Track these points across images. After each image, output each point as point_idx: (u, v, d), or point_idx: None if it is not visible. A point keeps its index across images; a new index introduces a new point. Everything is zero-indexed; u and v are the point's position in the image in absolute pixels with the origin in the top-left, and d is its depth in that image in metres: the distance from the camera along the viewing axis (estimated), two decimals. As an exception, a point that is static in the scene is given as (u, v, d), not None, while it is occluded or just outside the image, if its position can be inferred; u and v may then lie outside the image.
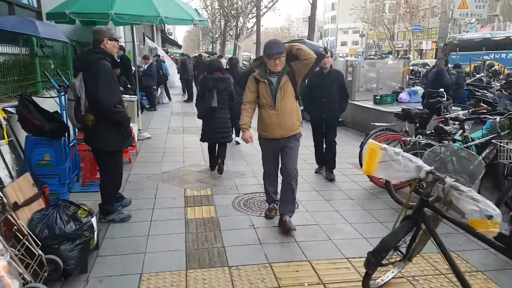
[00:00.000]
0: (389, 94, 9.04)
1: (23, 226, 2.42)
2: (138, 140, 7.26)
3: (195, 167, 5.81)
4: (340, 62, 10.66)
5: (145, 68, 11.34)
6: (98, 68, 3.30)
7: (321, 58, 3.61)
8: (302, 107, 4.12)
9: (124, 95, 7.39)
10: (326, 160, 5.50)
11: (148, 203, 4.31)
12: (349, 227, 3.82)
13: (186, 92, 14.72)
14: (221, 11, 35.80)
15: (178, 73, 17.12)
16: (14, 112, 3.59)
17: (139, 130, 7.42)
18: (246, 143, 3.70)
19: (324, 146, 5.55)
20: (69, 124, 3.72)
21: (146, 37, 20.37)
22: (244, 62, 31.96)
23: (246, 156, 6.49)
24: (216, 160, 5.33)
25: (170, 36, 47.14)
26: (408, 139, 4.70)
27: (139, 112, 7.63)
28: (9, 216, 2.33)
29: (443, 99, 6.18)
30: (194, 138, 7.82)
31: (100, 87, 3.27)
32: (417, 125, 5.00)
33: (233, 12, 31.32)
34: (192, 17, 6.50)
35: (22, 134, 3.69)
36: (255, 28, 28.74)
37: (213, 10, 39.49)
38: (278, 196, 3.97)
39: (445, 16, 39.26)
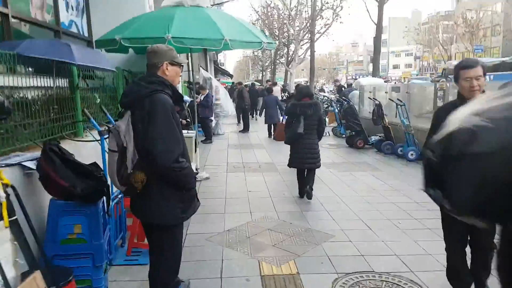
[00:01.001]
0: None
1: None
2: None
3: (267, 221, 4.53)
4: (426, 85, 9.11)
5: (201, 99, 10.50)
6: (153, 104, 2.18)
7: None
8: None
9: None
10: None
11: (212, 286, 3.07)
12: None
13: (241, 122, 13.74)
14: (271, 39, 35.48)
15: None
16: (34, 168, 2.54)
17: (196, 169, 6.33)
18: None
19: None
20: (109, 180, 2.58)
21: (200, 67, 20.06)
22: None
23: (326, 201, 5.14)
24: (305, 187, 5.27)
25: (222, 66, 47.71)
26: None
27: (197, 148, 6.58)
28: None
29: None
30: (257, 177, 6.60)
31: (155, 132, 2.14)
32: None
33: (283, 40, 30.65)
34: (261, 39, 5.42)
35: (47, 197, 2.65)
36: (306, 54, 27.80)
37: (263, 39, 39.34)
38: None
39: (510, 34, 36.12)
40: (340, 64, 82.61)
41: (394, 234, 4.21)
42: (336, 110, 11.37)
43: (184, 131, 6.32)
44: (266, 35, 5.82)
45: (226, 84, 31.44)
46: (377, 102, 8.82)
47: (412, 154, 7.78)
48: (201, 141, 10.40)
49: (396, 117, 8.48)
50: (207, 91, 10.81)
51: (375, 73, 13.22)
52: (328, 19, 25.25)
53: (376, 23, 13.45)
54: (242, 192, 5.73)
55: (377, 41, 13.42)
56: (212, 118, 11.51)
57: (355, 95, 12.18)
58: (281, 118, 11.10)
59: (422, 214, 4.77)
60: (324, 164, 6.65)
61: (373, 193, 5.71)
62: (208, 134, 10.82)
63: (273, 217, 4.68)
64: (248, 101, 13.82)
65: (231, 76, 40.52)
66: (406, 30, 49.85)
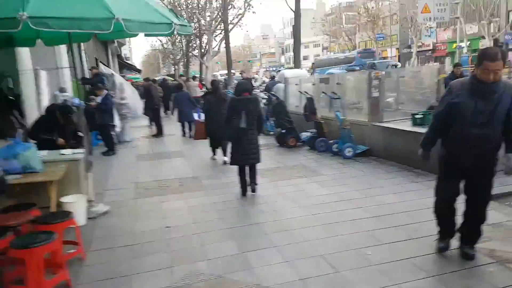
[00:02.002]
0: (427, 110, 6.74)
1: None
2: (89, 218, 4.45)
3: (196, 281, 3.11)
4: (358, 75, 8.34)
5: (98, 102, 8.47)
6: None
7: None
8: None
9: (63, 152, 4.59)
10: None
11: None
12: None
13: (154, 125, 11.84)
14: (181, 31, 33.19)
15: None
16: None
17: (89, 202, 4.58)
18: None
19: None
20: None
21: (100, 63, 17.44)
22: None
23: (272, 230, 3.89)
24: (249, 183, 5.21)
25: (127, 61, 43.92)
26: None
27: (89, 172, 4.80)
28: None
29: None
30: (177, 202, 5.09)
31: None
32: None
33: (195, 31, 28.81)
34: (170, 20, 3.84)
35: None
36: (221, 45, 26.40)
37: (172, 31, 36.80)
38: None
39: (406, 22, 38.86)
40: (253, 56, 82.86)
41: (368, 274, 3.13)
42: (263, 106, 10.32)
43: (67, 152, 4.55)
44: (178, 16, 4.25)
45: (134, 81, 28.62)
46: (308, 96, 7.84)
47: (349, 151, 6.93)
48: (102, 153, 8.47)
49: (330, 111, 7.58)
50: (105, 91, 8.80)
51: (297, 64, 12.36)
52: (240, 9, 24.20)
53: (294, 10, 12.61)
54: (157, 231, 4.15)
55: (297, 30, 12.52)
56: (115, 123, 9.58)
57: (279, 88, 11.16)
58: (195, 115, 10.35)
59: (390, 234, 3.78)
60: (258, 171, 5.46)
61: (323, 208, 4.62)
62: (110, 144, 8.85)
63: (204, 271, 3.26)
64: (158, 100, 12.05)
65: (139, 71, 37.39)
66: (313, 21, 51.19)
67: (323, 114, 7.98)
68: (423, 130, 6.03)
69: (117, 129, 10.79)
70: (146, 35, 4.39)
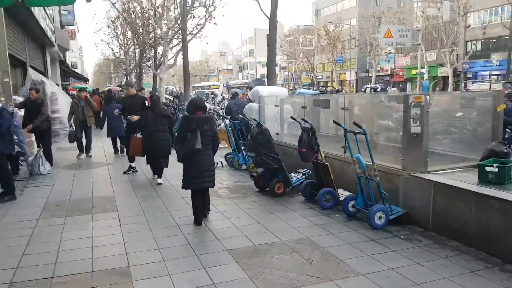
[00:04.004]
0: (494, 159, 4.35)
1: None
2: None
3: None
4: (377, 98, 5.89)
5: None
6: None
7: None
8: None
9: None
10: None
11: None
12: None
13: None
14: (134, 40, 29.70)
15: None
16: None
17: None
18: None
19: None
20: None
21: (29, 68, 13.82)
22: (168, 97, 26.10)
23: None
24: (203, 211, 4.70)
25: (75, 69, 39.26)
26: None
27: None
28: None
29: None
30: None
31: None
32: None
33: (150, 41, 25.55)
34: None
35: None
36: (177, 57, 23.41)
37: (125, 40, 33.14)
38: None
39: (365, 47, 38.30)
40: (210, 71, 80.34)
41: None
42: (228, 127, 7.70)
43: None
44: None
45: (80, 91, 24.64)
46: (307, 125, 5.24)
47: (380, 218, 4.36)
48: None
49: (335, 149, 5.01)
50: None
51: (271, 79, 9.71)
52: (201, 18, 21.49)
53: (269, 16, 10.17)
54: None
55: (271, 40, 9.92)
56: (18, 150, 6.40)
57: (252, 109, 8.53)
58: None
59: None
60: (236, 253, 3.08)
61: None
62: (8, 185, 5.65)
63: None
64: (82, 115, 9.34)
65: (85, 80, 33.15)
66: (273, 40, 49.71)
67: (324, 149, 5.41)
68: (504, 194, 3.64)
69: (27, 157, 7.53)
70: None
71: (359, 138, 4.62)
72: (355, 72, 44.02)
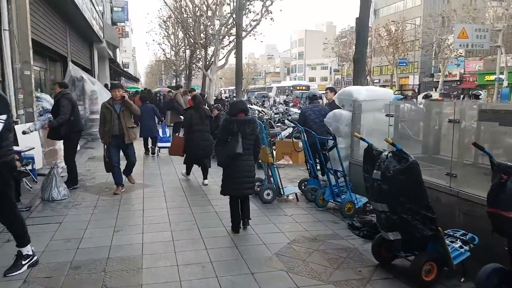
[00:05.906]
0: None
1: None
2: None
3: None
4: None
5: None
6: None
7: None
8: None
9: None
10: None
11: None
12: None
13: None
14: (185, 40, 28.23)
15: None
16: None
17: None
18: None
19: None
20: None
21: (70, 63, 12.30)
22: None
23: None
24: (242, 219, 4.34)
25: (126, 69, 38.85)
26: None
27: None
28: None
29: None
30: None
31: None
32: None
33: (201, 42, 23.79)
34: None
35: None
36: (228, 57, 21.38)
37: (176, 40, 31.86)
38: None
39: (430, 49, 34.24)
40: (257, 74, 78.73)
41: None
42: (305, 142, 5.29)
43: None
44: None
45: (131, 91, 23.45)
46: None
47: None
48: None
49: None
50: None
51: (359, 79, 7.00)
52: (257, 14, 19.31)
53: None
54: None
55: (362, 23, 7.20)
56: (20, 169, 4.32)
57: (341, 118, 6.00)
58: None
59: None
60: None
61: None
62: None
63: None
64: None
65: (136, 80, 32.24)
66: (326, 42, 46.62)
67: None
68: None
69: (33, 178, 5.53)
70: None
71: None
72: (418, 76, 39.84)
